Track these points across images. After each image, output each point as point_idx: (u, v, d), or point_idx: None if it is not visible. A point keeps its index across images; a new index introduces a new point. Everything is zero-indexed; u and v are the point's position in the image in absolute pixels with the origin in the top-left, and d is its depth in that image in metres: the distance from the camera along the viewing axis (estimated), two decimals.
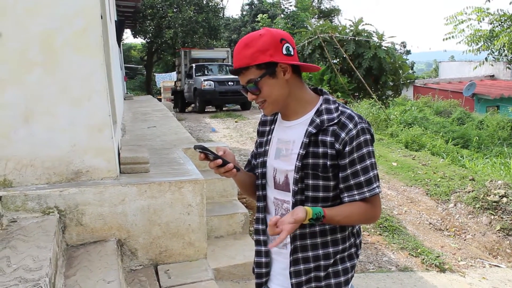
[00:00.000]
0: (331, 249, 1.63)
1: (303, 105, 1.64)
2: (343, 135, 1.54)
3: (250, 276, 3.51)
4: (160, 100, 19.06)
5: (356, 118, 1.57)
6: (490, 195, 5.93)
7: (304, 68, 1.67)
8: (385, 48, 16.45)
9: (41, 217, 2.98)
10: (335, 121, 1.56)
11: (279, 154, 1.68)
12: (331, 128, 1.56)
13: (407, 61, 22.58)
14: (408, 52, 37.49)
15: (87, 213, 3.12)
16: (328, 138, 1.56)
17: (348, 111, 1.59)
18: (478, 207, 5.82)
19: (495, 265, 4.85)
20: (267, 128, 1.78)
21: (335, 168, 1.58)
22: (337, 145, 1.55)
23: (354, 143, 1.54)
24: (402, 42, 35.40)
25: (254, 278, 1.79)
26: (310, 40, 16.23)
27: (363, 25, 17.03)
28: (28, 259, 2.33)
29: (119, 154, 3.62)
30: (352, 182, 1.57)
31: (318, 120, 1.59)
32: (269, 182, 1.72)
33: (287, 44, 1.56)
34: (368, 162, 1.57)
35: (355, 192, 1.57)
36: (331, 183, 1.59)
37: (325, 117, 1.59)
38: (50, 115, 3.10)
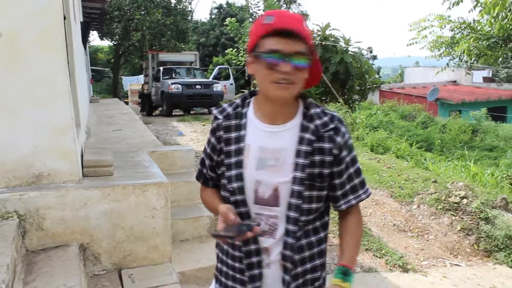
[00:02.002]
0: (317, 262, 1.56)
1: (293, 108, 1.51)
2: (338, 139, 1.47)
3: None
4: (127, 103, 18.80)
5: (343, 120, 1.52)
6: (451, 197, 6.10)
7: (313, 76, 1.51)
8: (352, 53, 16.70)
9: None
10: (330, 126, 1.47)
11: (263, 164, 1.48)
12: (327, 134, 1.46)
13: (373, 66, 22.99)
14: (375, 57, 38.19)
15: (48, 218, 3.05)
16: (326, 145, 1.46)
17: (336, 114, 1.52)
18: (440, 208, 5.97)
19: (456, 264, 4.99)
20: (233, 135, 1.53)
21: (329, 177, 1.50)
22: (334, 151, 1.46)
23: (347, 147, 1.50)
24: (369, 47, 35.98)
25: None
26: None
27: (330, 30, 17.24)
28: None
29: (82, 157, 3.55)
30: (347, 187, 1.52)
31: (312, 126, 1.47)
32: (249, 196, 1.51)
33: None
34: (358, 164, 1.54)
35: (351, 197, 1.53)
36: (324, 193, 1.51)
37: (318, 122, 1.47)
38: (10, 116, 3.02)
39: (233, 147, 1.52)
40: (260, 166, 1.48)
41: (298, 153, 1.45)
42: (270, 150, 1.48)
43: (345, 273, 1.45)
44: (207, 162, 1.64)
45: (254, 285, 1.53)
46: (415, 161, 8.99)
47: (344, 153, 1.48)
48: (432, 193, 6.32)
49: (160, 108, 17.62)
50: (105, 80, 35.87)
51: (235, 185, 1.50)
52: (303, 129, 1.47)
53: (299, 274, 1.52)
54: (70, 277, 2.62)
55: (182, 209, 4.34)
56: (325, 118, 1.48)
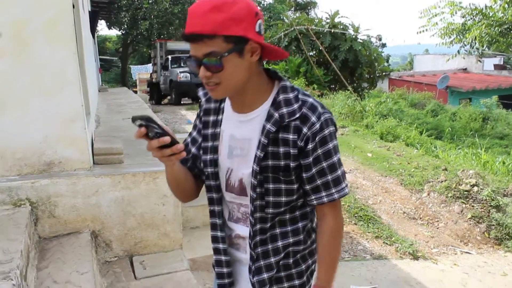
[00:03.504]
0: (291, 248, 1.48)
1: (260, 94, 1.37)
2: (305, 130, 1.32)
3: None
4: (135, 92, 18.85)
5: (319, 108, 1.33)
6: (462, 185, 6.07)
7: (271, 54, 1.36)
8: (361, 41, 16.62)
9: (12, 209, 2.92)
10: (297, 115, 1.32)
11: (232, 154, 1.42)
12: (293, 123, 1.32)
13: (382, 54, 22.84)
14: (384, 45, 37.85)
15: (60, 205, 3.07)
16: (291, 136, 1.33)
17: (310, 100, 1.35)
18: (451, 196, 5.94)
19: (466, 252, 4.97)
20: (211, 118, 1.48)
21: (298, 169, 1.37)
22: (299, 143, 1.33)
23: (317, 138, 1.32)
24: (378, 35, 35.64)
25: None
26: (286, 32, 16.27)
27: (339, 17, 17.16)
28: None
29: (92, 145, 3.57)
30: (319, 182, 1.37)
31: (276, 115, 1.33)
32: (222, 183, 1.48)
33: (260, 21, 1.27)
34: (335, 158, 1.37)
35: (323, 194, 1.38)
36: (295, 186, 1.40)
37: (284, 110, 1.33)
38: (21, 105, 3.04)
39: (209, 131, 1.47)
40: (230, 154, 1.43)
41: (258, 145, 1.36)
42: (238, 139, 1.42)
43: None
44: (190, 141, 1.55)
45: (218, 269, 1.54)
46: (425, 149, 8.92)
47: (312, 145, 1.32)
48: (442, 181, 6.28)
49: (168, 97, 17.66)
50: (114, 70, 35.94)
51: (209, 170, 1.47)
52: (268, 118, 1.34)
53: (273, 264, 1.47)
54: (82, 264, 2.65)
55: None
56: (295, 106, 1.33)
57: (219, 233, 1.51)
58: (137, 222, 3.28)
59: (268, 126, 1.33)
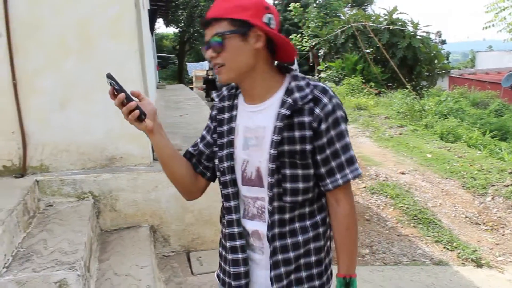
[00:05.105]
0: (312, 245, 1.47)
1: (270, 84, 1.44)
2: (317, 110, 1.37)
3: None
4: (192, 89, 19.18)
5: (330, 91, 1.40)
6: None
7: (281, 49, 1.42)
8: (420, 38, 16.09)
9: (76, 202, 3.03)
10: (310, 97, 1.37)
11: (247, 144, 1.46)
12: (307, 106, 1.37)
13: (442, 51, 22.03)
14: (444, 42, 36.49)
15: (120, 199, 3.15)
16: (306, 118, 1.37)
17: (321, 84, 1.41)
18: None
19: None
20: (226, 115, 1.53)
21: (314, 153, 1.41)
22: (313, 124, 1.37)
23: (330, 119, 1.38)
24: (438, 31, 34.41)
25: None
26: (343, 29, 16.01)
27: (397, 14, 16.69)
28: (64, 243, 2.37)
29: None
30: (333, 163, 1.41)
31: (290, 100, 1.38)
32: (237, 177, 1.50)
33: (270, 15, 1.37)
34: (347, 139, 1.42)
35: (338, 176, 1.41)
36: (311, 171, 1.42)
37: (297, 95, 1.38)
38: (85, 102, 3.14)
39: (225, 128, 1.52)
40: (245, 146, 1.47)
41: (274, 130, 1.39)
42: (252, 129, 1.46)
43: (347, 285, 1.45)
44: (199, 139, 1.61)
45: (235, 269, 1.50)
46: (488, 151, 8.51)
47: (324, 125, 1.37)
48: (508, 185, 5.96)
49: None
50: (171, 67, 36.71)
51: (225, 164, 1.49)
52: (282, 104, 1.40)
53: (291, 259, 1.45)
54: (142, 258, 2.70)
55: None
56: (307, 90, 1.39)
57: (236, 229, 1.50)
58: (194, 218, 3.31)
59: (283, 110, 1.38)
